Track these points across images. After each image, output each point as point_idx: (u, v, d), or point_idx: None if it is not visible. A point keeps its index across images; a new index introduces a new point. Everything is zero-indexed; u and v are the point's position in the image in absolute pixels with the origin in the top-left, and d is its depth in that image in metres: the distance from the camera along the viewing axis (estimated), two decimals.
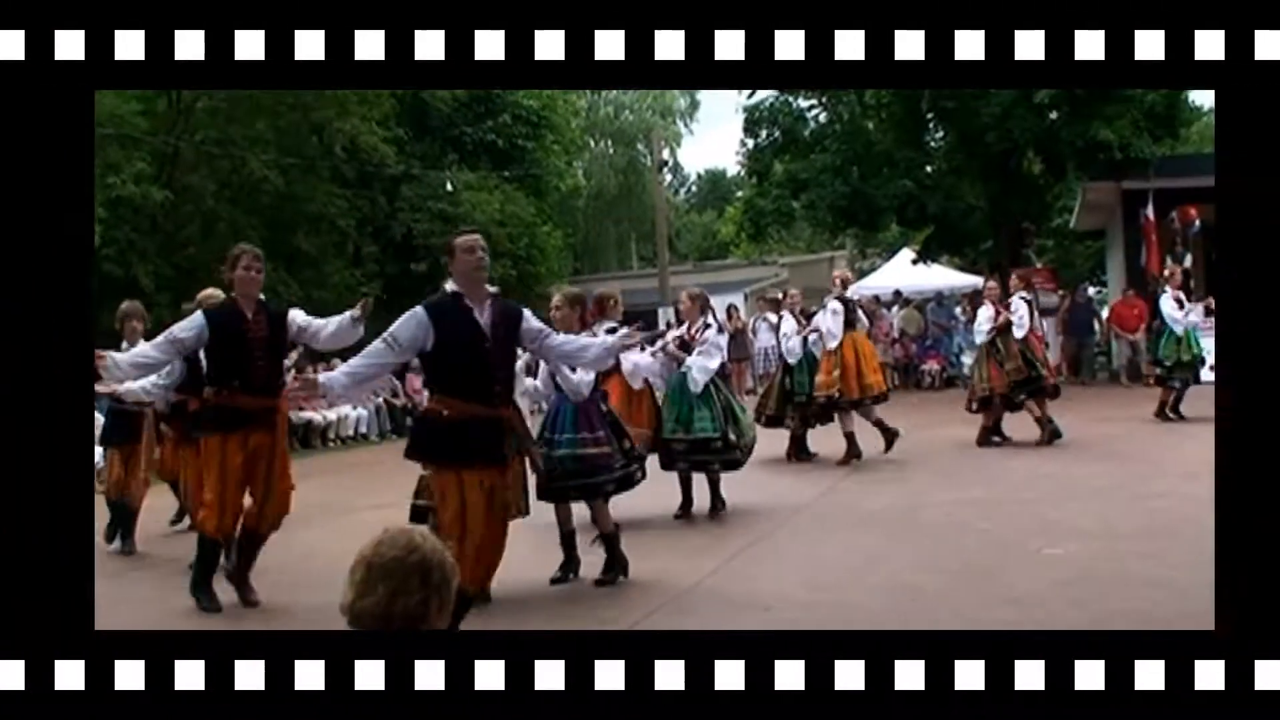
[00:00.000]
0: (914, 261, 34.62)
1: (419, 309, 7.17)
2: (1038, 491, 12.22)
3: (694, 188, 75.24)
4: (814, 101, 32.16)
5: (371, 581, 3.05)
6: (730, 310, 27.98)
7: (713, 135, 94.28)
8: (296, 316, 8.86)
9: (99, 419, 11.77)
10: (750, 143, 32.41)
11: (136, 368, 8.63)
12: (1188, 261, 24.95)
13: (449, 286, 7.22)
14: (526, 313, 7.47)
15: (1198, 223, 24.59)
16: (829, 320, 14.95)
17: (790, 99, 31.92)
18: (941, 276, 34.87)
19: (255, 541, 8.86)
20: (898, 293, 31.97)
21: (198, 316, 8.59)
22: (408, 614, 3.02)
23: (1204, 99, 39.87)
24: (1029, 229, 32.15)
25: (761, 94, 31.88)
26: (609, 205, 57.99)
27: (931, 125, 31.37)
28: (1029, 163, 30.26)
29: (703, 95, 64.26)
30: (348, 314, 8.80)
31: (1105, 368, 28.63)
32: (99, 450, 12.01)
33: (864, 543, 10.05)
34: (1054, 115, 27.44)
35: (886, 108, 29.21)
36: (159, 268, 24.19)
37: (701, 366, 11.50)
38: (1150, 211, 25.35)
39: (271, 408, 8.66)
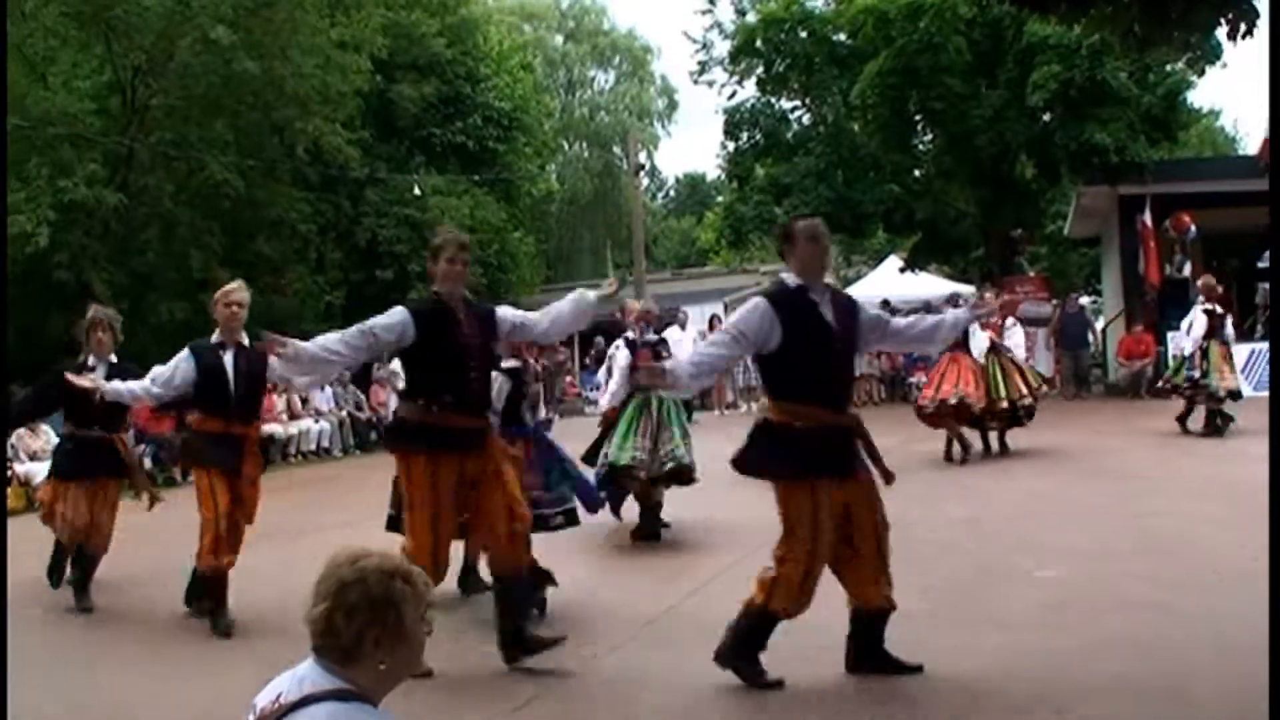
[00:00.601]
0: (901, 269, 34.68)
1: (761, 300, 6.76)
2: (1029, 509, 12.24)
3: (672, 192, 75.33)
4: (797, 103, 32.26)
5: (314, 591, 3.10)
6: (713, 321, 28.03)
7: (692, 138, 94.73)
8: (507, 314, 7.68)
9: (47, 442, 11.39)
10: (731, 146, 32.53)
11: (317, 361, 7.29)
12: (1187, 270, 25.06)
13: (787, 278, 6.87)
14: (860, 302, 7.17)
15: (1193, 229, 24.71)
16: None
17: (772, 100, 32.03)
18: (930, 285, 34.89)
19: (518, 589, 7.54)
20: (885, 302, 32.00)
21: (401, 312, 7.35)
22: (313, 622, 3.03)
23: (1202, 101, 40.15)
24: (1021, 236, 32.27)
25: (742, 95, 32.02)
26: (583, 210, 58.07)
27: (920, 127, 31.50)
28: (1021, 167, 30.39)
29: (681, 96, 64.47)
30: (589, 293, 7.71)
31: (1101, 380, 28.71)
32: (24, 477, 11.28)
33: None
34: (1047, 118, 27.57)
35: (872, 109, 29.33)
36: (113, 275, 24.11)
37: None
38: (1148, 217, 25.47)
39: (486, 428, 7.49)
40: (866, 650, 6.85)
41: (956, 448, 16.34)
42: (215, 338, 9.02)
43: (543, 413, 9.40)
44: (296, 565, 8.16)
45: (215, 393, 8.82)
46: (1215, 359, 17.33)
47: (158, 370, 9.05)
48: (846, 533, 6.66)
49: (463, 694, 6.74)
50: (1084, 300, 29.61)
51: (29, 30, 23.73)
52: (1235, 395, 17.41)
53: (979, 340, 16.11)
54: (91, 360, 9.77)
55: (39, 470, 16.67)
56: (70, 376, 9.14)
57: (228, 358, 8.86)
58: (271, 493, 13.20)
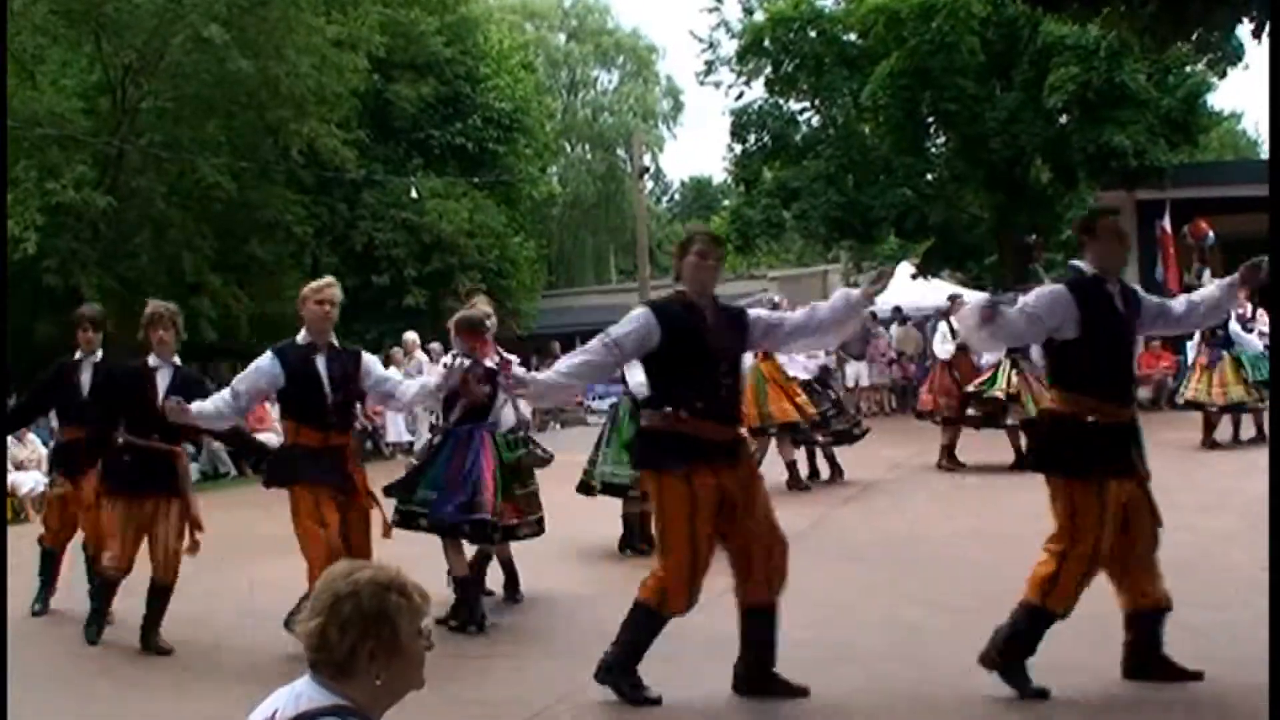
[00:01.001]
0: (913, 276, 34.61)
1: (1061, 287, 6.81)
2: (1045, 523, 12.17)
3: (677, 196, 75.28)
4: (806, 104, 32.24)
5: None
6: None
7: (697, 140, 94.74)
8: (760, 316, 7.28)
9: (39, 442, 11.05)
10: (738, 148, 32.48)
11: (562, 389, 7.13)
12: (1206, 277, 25.01)
13: (1084, 267, 6.86)
14: (1139, 289, 7.18)
15: (1211, 235, 24.69)
16: None
17: (780, 101, 32.00)
18: (942, 292, 34.73)
19: (768, 622, 7.12)
20: (897, 309, 31.90)
21: (643, 314, 6.94)
22: (307, 636, 3.05)
23: (1224, 104, 40.15)
24: (1037, 241, 32.18)
25: (750, 96, 32.00)
26: (586, 214, 58.11)
27: (932, 130, 31.48)
28: (1037, 170, 30.37)
29: (687, 97, 64.44)
30: (853, 291, 7.18)
31: None
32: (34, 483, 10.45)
33: (858, 577, 10.07)
34: (1064, 120, 27.55)
35: (884, 110, 29.33)
36: (102, 279, 24.12)
37: None
38: (1167, 223, 25.44)
39: (740, 439, 7.18)
40: (1148, 654, 6.85)
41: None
42: (302, 338, 8.30)
43: (512, 418, 9.37)
44: (289, 581, 8.18)
45: (310, 399, 8.17)
46: (1191, 368, 17.63)
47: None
48: (1125, 533, 6.65)
49: (459, 713, 6.74)
50: None
51: (17, 29, 23.78)
52: (1196, 406, 17.56)
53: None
54: (153, 361, 8.90)
55: (25, 480, 16.72)
56: (170, 406, 8.14)
57: (320, 361, 8.20)
58: (265, 505, 13.19)
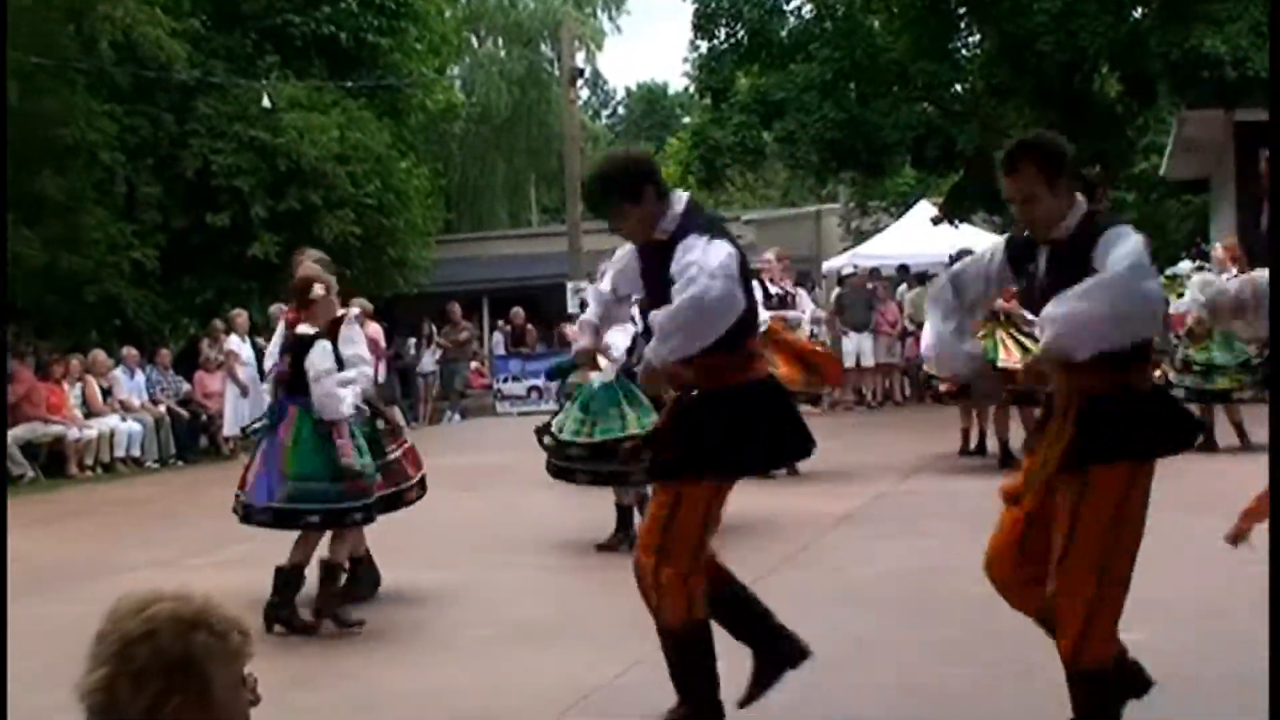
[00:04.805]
0: (935, 220, 34.68)
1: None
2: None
3: (621, 110, 75.35)
4: None
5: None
6: None
7: (648, 35, 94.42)
8: None
9: None
10: (703, 46, 32.42)
11: None
12: None
13: None
14: None
15: None
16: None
17: None
18: (972, 242, 34.73)
19: None
20: (903, 268, 31.81)
21: None
22: (90, 693, 3.01)
23: None
24: (1100, 175, 32.33)
25: None
26: (498, 132, 57.95)
27: (963, 26, 31.52)
28: (1102, 81, 30.46)
29: None
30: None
31: None
32: None
33: (857, 623, 10.06)
34: (1138, 15, 27.60)
35: (898, 0, 29.35)
36: None
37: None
38: None
39: None
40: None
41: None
42: None
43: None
44: (89, 621, 8.09)
45: None
46: None
47: None
48: None
49: None
50: (1187, 264, 29.68)
51: None
52: None
53: None
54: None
55: None
56: None
57: None
58: (61, 520, 13.14)
